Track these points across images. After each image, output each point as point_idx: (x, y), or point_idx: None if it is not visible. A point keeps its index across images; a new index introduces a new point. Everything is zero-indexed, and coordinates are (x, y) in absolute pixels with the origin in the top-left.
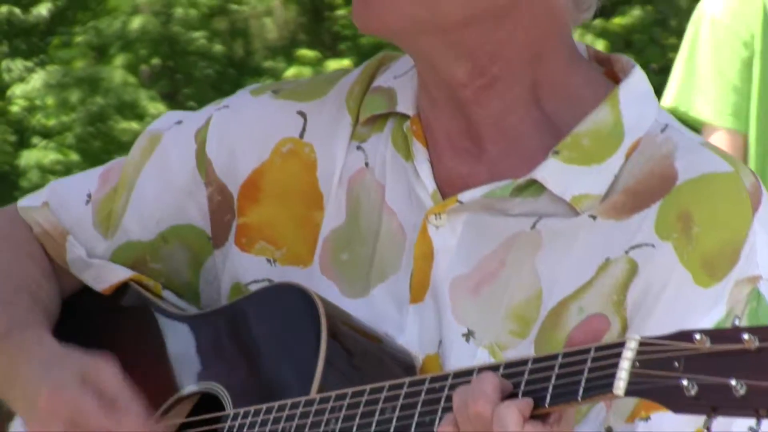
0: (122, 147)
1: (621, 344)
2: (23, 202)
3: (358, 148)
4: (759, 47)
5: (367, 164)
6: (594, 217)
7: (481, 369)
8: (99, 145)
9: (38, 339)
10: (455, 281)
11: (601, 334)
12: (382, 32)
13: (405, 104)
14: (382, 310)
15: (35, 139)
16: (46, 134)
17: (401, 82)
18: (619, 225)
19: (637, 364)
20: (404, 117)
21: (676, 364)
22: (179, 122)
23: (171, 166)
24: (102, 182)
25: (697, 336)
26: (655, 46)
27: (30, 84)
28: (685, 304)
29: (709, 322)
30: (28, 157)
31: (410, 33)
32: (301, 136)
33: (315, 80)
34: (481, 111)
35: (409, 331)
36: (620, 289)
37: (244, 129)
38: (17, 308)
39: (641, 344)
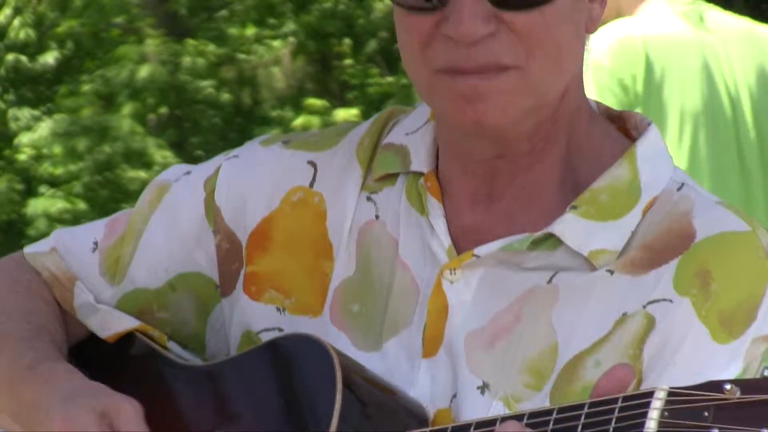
0: (130, 196)
1: (649, 394)
2: (30, 249)
3: (369, 199)
4: (641, 90)
5: (377, 216)
6: (611, 272)
7: (505, 418)
8: (106, 193)
9: (69, 371)
10: (470, 335)
11: (627, 384)
12: (496, 129)
13: (419, 162)
14: (394, 363)
15: (42, 188)
16: (54, 183)
17: (413, 139)
18: (636, 280)
19: (666, 413)
20: (418, 173)
21: (706, 414)
22: (188, 173)
23: (179, 214)
24: (109, 231)
25: (727, 386)
26: None
27: (37, 133)
28: (702, 359)
29: (725, 378)
30: (35, 206)
31: (518, 124)
32: (312, 185)
33: (325, 132)
34: (516, 178)
35: (420, 385)
36: (637, 343)
37: (254, 177)
38: (43, 344)
39: (670, 394)
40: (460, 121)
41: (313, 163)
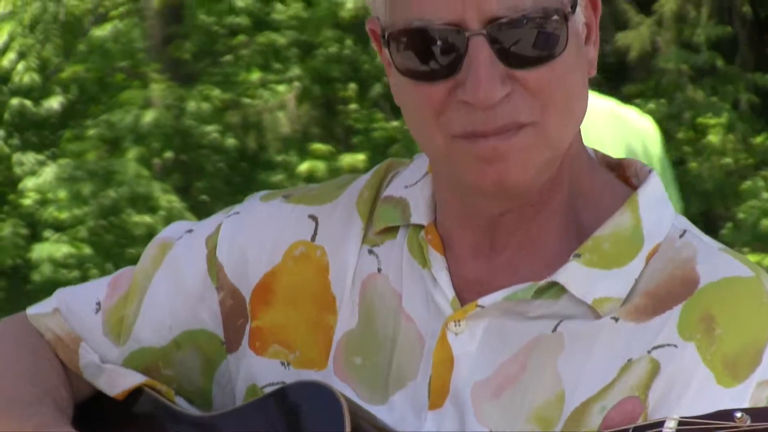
0: (135, 240)
1: (660, 423)
2: (32, 310)
3: (370, 252)
4: None
5: (379, 270)
6: (616, 319)
7: None
8: (112, 238)
9: None
10: (476, 386)
11: (636, 415)
12: (517, 186)
13: (418, 215)
14: (400, 416)
15: (47, 233)
16: (59, 227)
17: (412, 192)
18: (641, 327)
19: None
20: (418, 226)
21: None
22: (190, 231)
23: (182, 272)
24: (111, 290)
25: (738, 414)
26: (669, 141)
27: (42, 177)
28: (706, 403)
29: None
30: (40, 251)
31: (537, 178)
32: (313, 239)
33: (325, 185)
34: (519, 228)
35: None
36: (642, 388)
37: (256, 233)
38: (48, 408)
39: (680, 423)
40: (481, 182)
41: (314, 217)
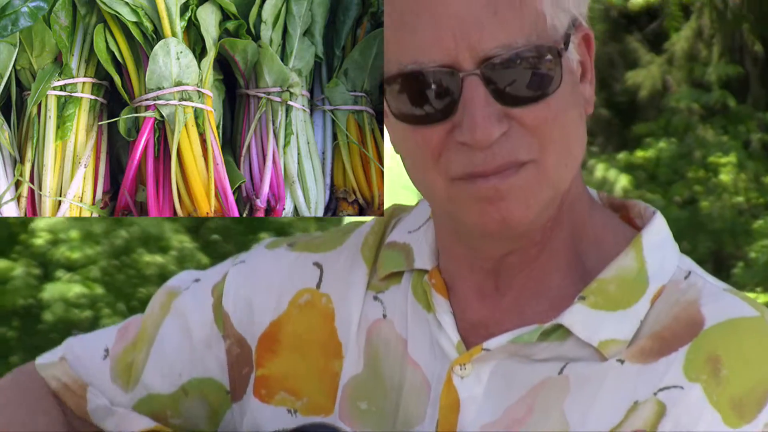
0: (147, 280)
1: None
2: (41, 360)
3: (375, 298)
4: None
5: (385, 315)
6: (621, 362)
7: None
8: (123, 278)
9: None
10: (483, 429)
11: None
12: (521, 225)
13: (422, 260)
14: None
15: (59, 272)
16: (70, 267)
17: (416, 237)
18: (647, 369)
19: None
20: (422, 270)
21: None
22: (197, 280)
23: (190, 320)
24: (119, 337)
25: None
26: (679, 180)
27: (53, 217)
28: None
29: None
30: (52, 291)
31: (539, 216)
32: (318, 286)
33: (329, 233)
34: (524, 269)
35: None
36: (649, 430)
37: (261, 281)
38: None
39: None
40: (484, 223)
41: (318, 264)
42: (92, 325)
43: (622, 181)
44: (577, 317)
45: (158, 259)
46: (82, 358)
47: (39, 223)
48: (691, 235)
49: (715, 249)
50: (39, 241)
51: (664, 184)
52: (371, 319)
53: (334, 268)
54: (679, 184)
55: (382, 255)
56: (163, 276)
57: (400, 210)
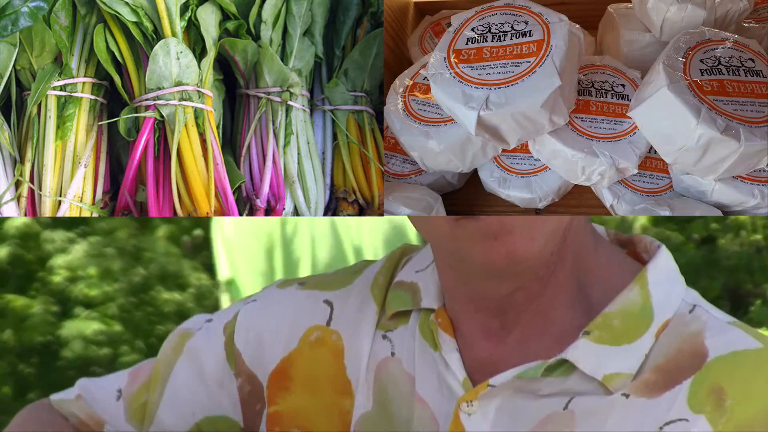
0: (165, 317)
1: None
2: (56, 396)
3: (384, 337)
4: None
5: (393, 354)
6: (626, 396)
7: None
8: (141, 315)
9: None
10: None
11: None
12: (528, 258)
13: (429, 299)
14: None
15: (77, 310)
16: (89, 304)
17: (423, 276)
18: (651, 403)
19: None
20: (429, 309)
21: None
22: (209, 320)
23: (202, 359)
24: (132, 378)
25: None
26: (697, 217)
27: (72, 254)
28: None
29: None
30: (70, 328)
31: (545, 249)
32: (328, 323)
33: (339, 272)
34: (529, 306)
35: None
36: None
37: (272, 319)
38: None
39: None
40: (492, 259)
41: (329, 302)
42: (111, 362)
43: (641, 219)
44: (582, 352)
45: (176, 296)
46: (96, 397)
47: (57, 260)
48: (708, 272)
49: (733, 286)
50: (57, 278)
51: (683, 221)
52: (380, 357)
53: (344, 306)
54: (697, 222)
55: (391, 294)
56: (181, 313)
57: (410, 249)
